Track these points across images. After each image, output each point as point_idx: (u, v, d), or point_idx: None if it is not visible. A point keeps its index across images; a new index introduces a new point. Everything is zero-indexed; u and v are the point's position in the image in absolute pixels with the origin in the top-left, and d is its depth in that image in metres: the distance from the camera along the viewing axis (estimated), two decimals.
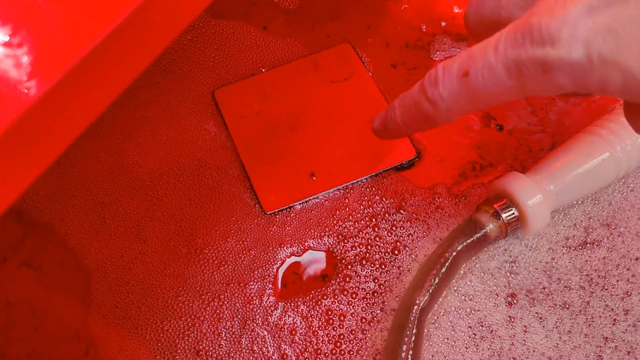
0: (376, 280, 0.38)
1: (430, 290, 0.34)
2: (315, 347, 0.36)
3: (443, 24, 0.47)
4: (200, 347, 0.37)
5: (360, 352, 0.36)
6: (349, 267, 0.38)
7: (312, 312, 0.37)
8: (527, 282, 0.37)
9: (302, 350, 0.36)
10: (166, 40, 0.23)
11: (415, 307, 0.34)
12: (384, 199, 0.40)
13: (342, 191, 0.41)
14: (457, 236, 0.36)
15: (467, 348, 0.35)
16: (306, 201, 0.40)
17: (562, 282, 0.37)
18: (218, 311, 0.38)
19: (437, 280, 0.34)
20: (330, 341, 0.36)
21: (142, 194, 0.41)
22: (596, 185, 0.38)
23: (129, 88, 0.23)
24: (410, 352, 0.32)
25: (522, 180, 0.36)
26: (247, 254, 0.39)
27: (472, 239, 0.35)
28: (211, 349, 0.37)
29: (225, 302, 0.38)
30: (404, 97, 0.28)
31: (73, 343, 0.38)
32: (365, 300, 0.37)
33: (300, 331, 0.37)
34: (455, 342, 0.35)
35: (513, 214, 0.36)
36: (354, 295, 0.37)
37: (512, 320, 0.36)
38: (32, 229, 0.41)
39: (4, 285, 0.40)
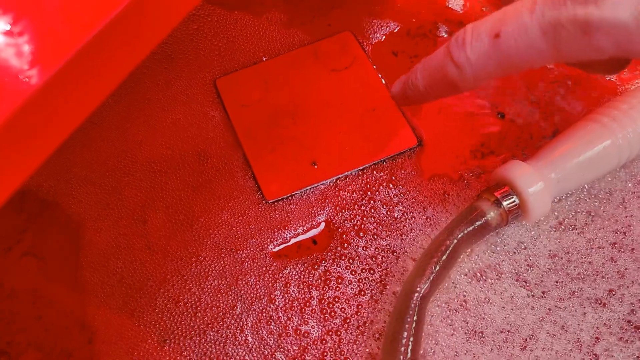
0: (378, 266, 0.38)
1: (431, 278, 0.34)
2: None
3: (445, 12, 0.47)
4: (203, 328, 0.37)
5: (360, 328, 0.36)
6: (349, 248, 0.38)
7: (310, 278, 0.37)
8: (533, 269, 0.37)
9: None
10: (167, 29, 0.23)
11: (416, 294, 0.34)
12: (385, 188, 0.40)
13: (344, 179, 0.41)
14: (458, 224, 0.36)
15: (468, 338, 0.36)
16: (308, 189, 0.40)
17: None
18: (221, 294, 0.38)
19: (437, 268, 0.35)
20: (327, 309, 0.37)
21: (145, 181, 0.42)
22: (598, 173, 0.38)
23: (131, 77, 0.23)
24: (411, 339, 0.33)
25: (523, 168, 0.36)
26: (248, 241, 0.39)
27: (473, 227, 0.36)
28: (215, 332, 0.37)
29: (229, 287, 0.38)
30: (428, 61, 0.26)
31: (76, 331, 0.38)
32: (365, 282, 0.37)
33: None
34: (455, 330, 0.36)
35: (514, 201, 0.36)
36: (353, 273, 0.38)
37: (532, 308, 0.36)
38: (35, 219, 0.41)
39: (8, 275, 0.40)
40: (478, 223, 0.36)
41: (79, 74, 0.21)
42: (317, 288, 0.38)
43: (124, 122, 0.43)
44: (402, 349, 0.32)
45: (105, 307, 0.38)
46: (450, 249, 0.35)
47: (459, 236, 0.35)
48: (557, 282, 0.37)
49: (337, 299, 0.37)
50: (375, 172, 0.41)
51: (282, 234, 0.39)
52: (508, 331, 0.36)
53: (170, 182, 0.42)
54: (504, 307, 0.37)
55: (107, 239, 0.40)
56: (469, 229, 0.35)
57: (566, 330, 0.36)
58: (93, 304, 0.38)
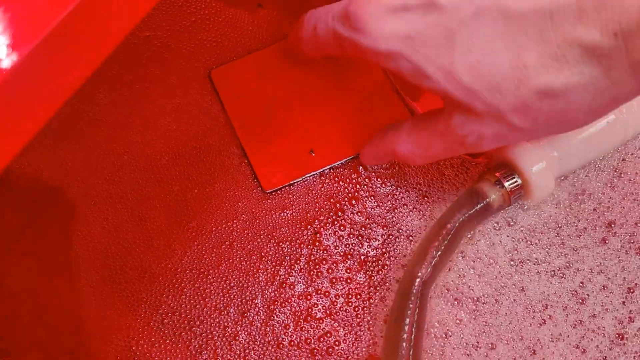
0: (377, 249, 0.37)
1: (433, 263, 0.34)
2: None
3: None
4: (204, 320, 0.36)
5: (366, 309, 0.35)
6: (350, 236, 0.38)
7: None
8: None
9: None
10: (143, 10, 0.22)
11: (418, 280, 0.33)
12: (383, 171, 0.40)
13: (342, 167, 0.40)
14: (459, 207, 0.35)
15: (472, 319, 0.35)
16: (306, 178, 0.40)
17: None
18: (221, 288, 0.37)
19: (439, 253, 0.34)
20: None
21: (142, 176, 0.41)
22: (603, 149, 0.37)
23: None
24: (414, 325, 0.32)
25: (524, 147, 0.35)
26: (246, 232, 0.39)
27: (474, 209, 0.35)
28: (209, 328, 0.36)
29: (229, 280, 0.38)
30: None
31: (77, 330, 0.38)
32: (366, 265, 0.37)
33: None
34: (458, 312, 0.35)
35: (516, 182, 0.35)
36: (353, 260, 0.37)
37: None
38: (34, 218, 0.41)
39: (8, 275, 0.40)
40: (480, 205, 0.35)
41: (56, 53, 0.20)
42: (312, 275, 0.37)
43: (119, 117, 0.43)
44: (405, 335, 0.32)
45: (105, 305, 0.38)
46: (452, 233, 0.34)
47: (460, 219, 0.34)
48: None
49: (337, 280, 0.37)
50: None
51: (281, 223, 0.39)
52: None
53: (167, 176, 0.41)
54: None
55: (106, 237, 0.40)
56: (470, 212, 0.35)
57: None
58: (93, 302, 0.38)
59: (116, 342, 0.37)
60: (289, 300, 0.37)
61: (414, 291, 0.33)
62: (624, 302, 0.36)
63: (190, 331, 0.37)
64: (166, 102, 0.43)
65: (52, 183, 0.42)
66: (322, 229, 0.39)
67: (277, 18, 0.45)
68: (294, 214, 0.39)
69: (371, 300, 0.36)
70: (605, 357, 0.35)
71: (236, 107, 0.42)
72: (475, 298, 0.36)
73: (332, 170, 0.40)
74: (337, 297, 0.37)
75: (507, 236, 0.37)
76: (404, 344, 0.31)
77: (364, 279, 0.37)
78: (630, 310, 0.36)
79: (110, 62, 0.41)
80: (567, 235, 0.37)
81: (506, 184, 0.35)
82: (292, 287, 0.37)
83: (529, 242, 0.37)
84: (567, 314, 0.36)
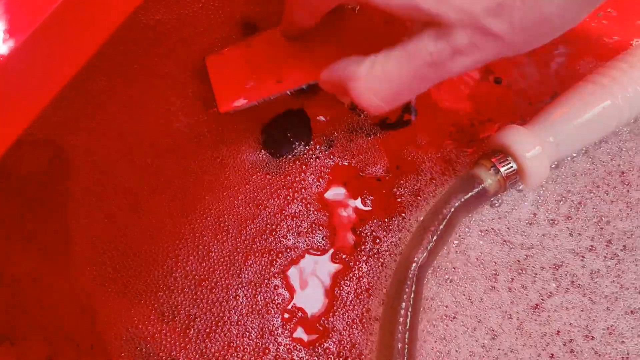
0: (378, 240, 0.38)
1: (429, 248, 0.34)
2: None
3: None
4: (204, 300, 0.37)
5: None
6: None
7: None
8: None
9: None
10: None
11: (414, 264, 0.33)
12: (380, 160, 0.40)
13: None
14: (455, 192, 0.35)
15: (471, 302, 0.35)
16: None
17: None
18: (218, 271, 0.38)
19: (435, 238, 0.34)
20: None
21: (138, 164, 0.41)
22: (597, 135, 0.37)
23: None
24: (410, 310, 0.32)
25: (519, 133, 0.35)
26: (241, 209, 0.39)
27: (470, 194, 0.35)
28: (214, 314, 0.37)
29: (228, 268, 0.38)
30: None
31: (77, 314, 0.38)
32: (365, 253, 0.37)
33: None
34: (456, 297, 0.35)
35: (511, 167, 0.35)
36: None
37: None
38: (33, 205, 0.41)
39: (8, 261, 0.40)
40: (475, 190, 0.35)
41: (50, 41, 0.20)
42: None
43: (118, 104, 0.43)
44: (401, 319, 0.32)
45: (105, 289, 0.38)
46: (447, 218, 0.35)
47: (456, 205, 0.35)
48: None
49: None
50: (366, 143, 0.40)
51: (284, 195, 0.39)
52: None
53: (164, 163, 0.41)
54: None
55: (106, 222, 0.40)
56: (466, 197, 0.35)
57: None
58: (93, 287, 0.38)
59: (118, 324, 0.37)
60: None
61: (410, 275, 0.33)
62: None
63: (192, 311, 0.37)
64: (158, 88, 0.43)
65: (52, 169, 0.42)
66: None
67: None
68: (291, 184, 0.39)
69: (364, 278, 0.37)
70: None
71: (223, 92, 0.41)
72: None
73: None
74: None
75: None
76: (400, 327, 0.32)
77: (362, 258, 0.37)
78: None
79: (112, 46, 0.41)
80: None
81: (502, 170, 0.35)
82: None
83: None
84: None
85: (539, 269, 0.37)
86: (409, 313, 0.32)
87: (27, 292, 0.39)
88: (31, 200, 0.41)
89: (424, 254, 0.34)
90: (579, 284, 0.36)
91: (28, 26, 0.19)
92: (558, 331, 0.35)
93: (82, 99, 0.42)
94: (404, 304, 0.32)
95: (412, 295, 0.33)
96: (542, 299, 0.36)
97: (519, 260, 0.37)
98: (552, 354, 0.35)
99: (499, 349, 0.35)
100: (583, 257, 0.37)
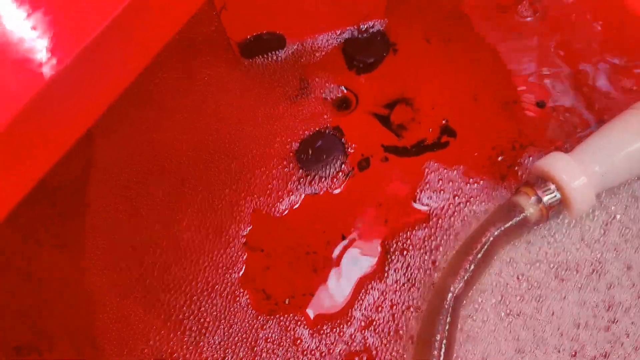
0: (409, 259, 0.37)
1: (466, 277, 0.33)
2: None
3: None
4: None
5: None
6: None
7: None
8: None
9: None
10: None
11: (450, 294, 0.32)
12: (416, 181, 0.39)
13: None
14: (495, 220, 0.34)
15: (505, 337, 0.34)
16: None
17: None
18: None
19: (472, 267, 0.33)
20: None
21: (170, 172, 0.41)
22: None
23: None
24: (444, 342, 0.31)
25: (564, 161, 0.34)
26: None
27: (510, 223, 0.34)
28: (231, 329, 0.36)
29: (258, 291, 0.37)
30: None
31: (105, 322, 0.38)
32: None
33: None
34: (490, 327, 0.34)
35: (555, 196, 0.34)
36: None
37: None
38: (65, 212, 0.41)
39: (39, 267, 0.40)
40: (516, 219, 0.34)
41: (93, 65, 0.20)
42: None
43: (151, 115, 0.43)
44: (435, 352, 0.31)
45: (132, 300, 0.38)
46: (486, 246, 0.33)
47: (495, 233, 0.34)
48: None
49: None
50: (397, 165, 0.39)
51: None
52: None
53: (198, 178, 0.41)
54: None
55: (136, 233, 0.40)
56: (506, 226, 0.34)
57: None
58: (120, 295, 0.38)
59: (143, 338, 0.37)
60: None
61: (446, 306, 0.32)
62: None
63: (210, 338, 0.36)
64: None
65: (84, 179, 0.42)
66: None
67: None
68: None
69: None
70: None
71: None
72: None
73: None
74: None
75: None
76: None
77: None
78: None
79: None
80: None
81: (545, 199, 0.34)
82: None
83: None
84: None
85: None
86: (443, 345, 0.31)
87: (55, 298, 0.39)
88: (63, 208, 0.41)
89: (461, 284, 0.33)
90: None
91: (63, 60, 0.19)
92: None
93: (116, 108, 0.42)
94: (438, 336, 0.31)
95: (447, 327, 0.31)
96: None
97: None
98: None
99: None
100: None
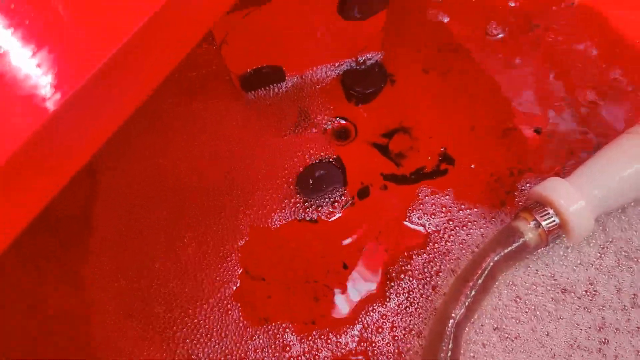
0: (412, 286, 0.37)
1: (467, 303, 0.33)
2: None
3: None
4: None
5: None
6: None
7: None
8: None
9: None
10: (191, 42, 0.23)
11: (451, 321, 0.32)
12: (415, 208, 0.39)
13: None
14: (494, 246, 0.34)
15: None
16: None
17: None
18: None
19: (473, 293, 0.33)
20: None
21: (175, 201, 0.41)
22: None
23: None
24: None
25: (562, 186, 0.34)
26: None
27: (510, 248, 0.34)
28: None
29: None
30: None
31: (110, 352, 0.38)
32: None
33: None
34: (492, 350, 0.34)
35: (554, 221, 0.34)
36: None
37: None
38: (68, 244, 0.41)
39: (43, 301, 0.40)
40: (516, 244, 0.34)
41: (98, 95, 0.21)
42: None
43: (155, 146, 0.44)
44: None
45: (139, 330, 0.38)
46: (487, 272, 0.33)
47: (495, 259, 0.33)
48: None
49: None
50: (398, 193, 0.40)
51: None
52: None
53: (197, 203, 0.41)
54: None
55: (140, 263, 0.40)
56: (506, 251, 0.34)
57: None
58: (128, 324, 0.38)
59: (136, 349, 0.37)
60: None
61: (447, 332, 0.32)
62: None
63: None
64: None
65: (88, 208, 0.42)
66: None
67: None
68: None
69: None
70: None
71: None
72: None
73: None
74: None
75: None
76: None
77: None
78: None
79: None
80: None
81: (544, 224, 0.34)
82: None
83: None
84: None
85: None
86: None
87: (59, 329, 0.39)
88: (67, 239, 0.41)
89: (462, 310, 0.32)
90: None
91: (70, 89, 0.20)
92: None
93: (120, 136, 0.43)
94: None
95: (449, 354, 0.31)
96: None
97: None
98: None
99: None
100: None
